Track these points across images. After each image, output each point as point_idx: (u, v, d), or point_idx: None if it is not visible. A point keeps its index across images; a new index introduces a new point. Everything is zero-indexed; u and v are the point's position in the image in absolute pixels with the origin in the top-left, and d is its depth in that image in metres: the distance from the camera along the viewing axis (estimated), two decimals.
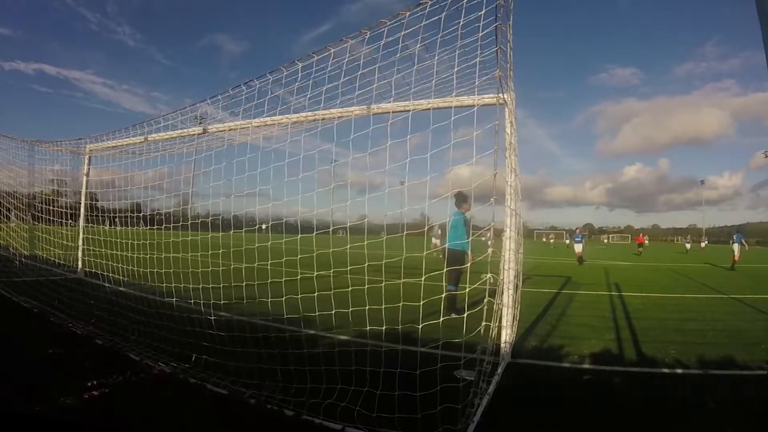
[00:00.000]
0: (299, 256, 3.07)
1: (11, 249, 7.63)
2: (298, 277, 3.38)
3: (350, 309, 2.88)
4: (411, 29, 2.80)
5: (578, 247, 17.75)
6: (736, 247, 16.08)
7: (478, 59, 2.62)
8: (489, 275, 2.64)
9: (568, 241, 38.80)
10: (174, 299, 4.24)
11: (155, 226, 4.91)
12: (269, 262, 3.35)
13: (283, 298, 3.35)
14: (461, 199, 5.24)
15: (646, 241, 30.84)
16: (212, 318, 3.51)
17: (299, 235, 3.25)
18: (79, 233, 6.85)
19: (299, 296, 3.14)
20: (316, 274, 3.16)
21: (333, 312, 2.99)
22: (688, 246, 36.42)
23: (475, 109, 2.62)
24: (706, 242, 39.38)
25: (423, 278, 2.69)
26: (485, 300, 2.54)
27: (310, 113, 3.82)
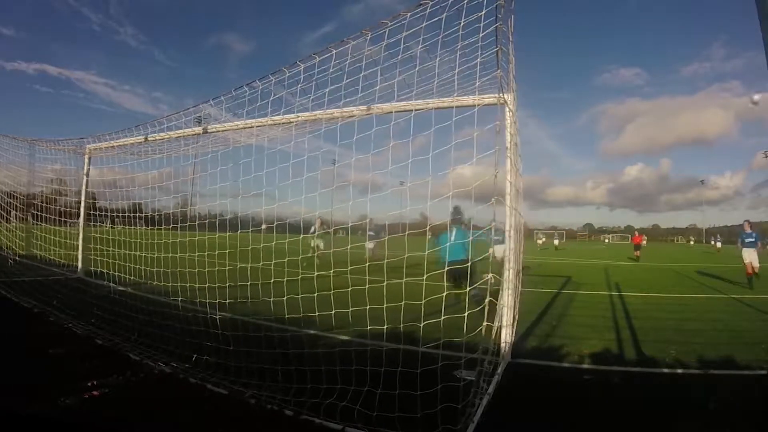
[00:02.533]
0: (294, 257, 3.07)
1: (8, 249, 7.62)
2: (299, 277, 3.38)
3: (351, 309, 2.89)
4: (412, 30, 2.81)
5: (498, 250, 10.21)
6: (748, 253, 9.75)
7: (478, 60, 2.62)
8: (490, 275, 2.64)
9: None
10: (174, 299, 4.24)
11: (156, 226, 4.92)
12: (260, 262, 3.36)
13: (283, 298, 3.35)
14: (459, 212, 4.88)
15: (644, 242, 25.90)
16: (212, 318, 3.51)
17: (314, 235, 3.26)
18: (79, 233, 6.85)
19: (295, 296, 3.14)
20: (316, 274, 3.16)
21: (333, 312, 3.00)
22: (719, 245, 32.39)
23: (476, 109, 2.63)
24: (720, 243, 35.60)
25: (424, 277, 2.69)
26: (486, 300, 2.54)
27: (309, 114, 3.83)
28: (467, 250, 4.29)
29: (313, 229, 10.54)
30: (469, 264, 3.26)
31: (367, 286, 2.82)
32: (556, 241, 37.43)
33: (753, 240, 9.98)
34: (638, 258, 20.36)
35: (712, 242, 36.02)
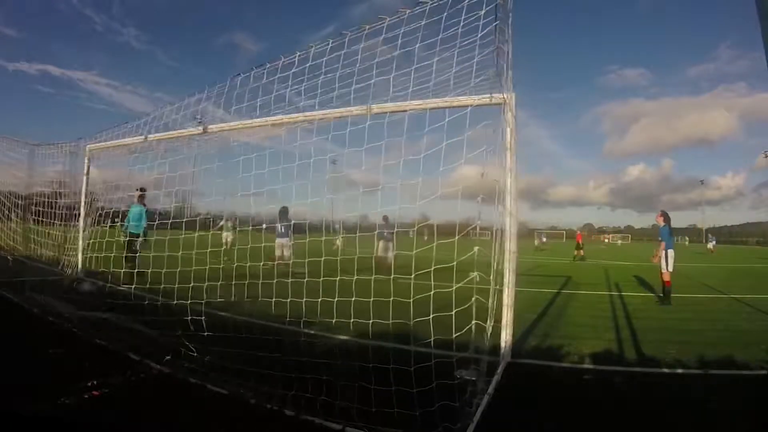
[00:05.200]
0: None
1: (9, 249, 7.62)
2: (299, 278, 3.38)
3: (350, 308, 2.89)
4: (411, 29, 2.81)
5: (383, 247, 9.85)
6: (667, 256, 7.24)
7: (475, 59, 2.63)
8: (476, 273, 2.63)
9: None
10: (174, 298, 4.23)
11: (154, 226, 4.91)
12: (262, 261, 3.35)
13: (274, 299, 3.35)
14: (141, 194, 6.58)
15: (619, 240, 23.21)
16: (212, 317, 3.51)
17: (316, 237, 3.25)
18: (79, 233, 6.84)
19: (287, 295, 3.14)
20: (307, 275, 3.16)
21: (333, 311, 2.99)
22: (710, 246, 32.26)
23: (475, 109, 2.63)
24: (713, 243, 34.94)
25: (432, 274, 2.68)
26: (473, 298, 2.53)
27: (309, 113, 3.82)
28: (140, 224, 6.47)
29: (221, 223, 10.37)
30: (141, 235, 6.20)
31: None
32: (536, 241, 34.10)
33: (660, 239, 7.41)
34: (579, 256, 19.09)
35: (706, 242, 35.23)
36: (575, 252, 19.67)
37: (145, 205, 6.71)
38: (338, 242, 5.19)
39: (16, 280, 6.20)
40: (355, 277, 2.95)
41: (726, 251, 34.54)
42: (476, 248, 2.75)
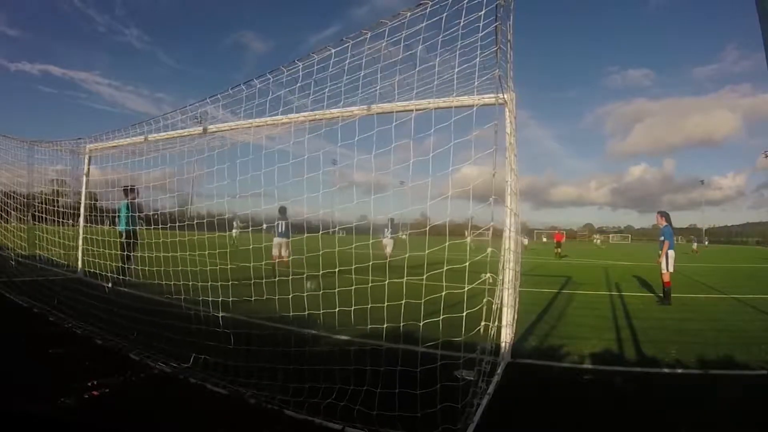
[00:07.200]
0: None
1: (9, 249, 7.61)
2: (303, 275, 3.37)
3: (351, 308, 2.89)
4: (412, 30, 2.81)
5: (388, 245, 12.44)
6: (668, 256, 7.25)
7: (477, 59, 2.62)
8: (489, 275, 2.63)
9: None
10: (174, 299, 4.24)
11: (155, 226, 4.91)
12: (263, 261, 3.34)
13: (274, 297, 3.35)
14: (128, 190, 6.55)
15: (598, 240, 26.95)
16: (212, 317, 3.51)
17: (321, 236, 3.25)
18: (79, 233, 6.84)
19: (287, 295, 3.13)
20: (320, 272, 3.16)
21: (334, 311, 2.99)
22: (694, 246, 33.09)
23: (474, 109, 2.63)
24: (696, 244, 35.45)
25: (444, 275, 2.68)
26: (485, 300, 2.54)
27: (309, 113, 3.83)
28: (128, 221, 6.44)
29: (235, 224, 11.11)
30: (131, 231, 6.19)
31: (369, 284, 2.83)
32: (525, 241, 35.45)
33: (662, 238, 7.38)
34: (558, 255, 21.31)
35: (693, 244, 35.16)
36: (556, 251, 22.06)
37: (132, 201, 6.61)
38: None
39: (18, 280, 6.20)
40: (355, 277, 2.95)
41: (713, 252, 34.43)
42: (489, 249, 2.75)
